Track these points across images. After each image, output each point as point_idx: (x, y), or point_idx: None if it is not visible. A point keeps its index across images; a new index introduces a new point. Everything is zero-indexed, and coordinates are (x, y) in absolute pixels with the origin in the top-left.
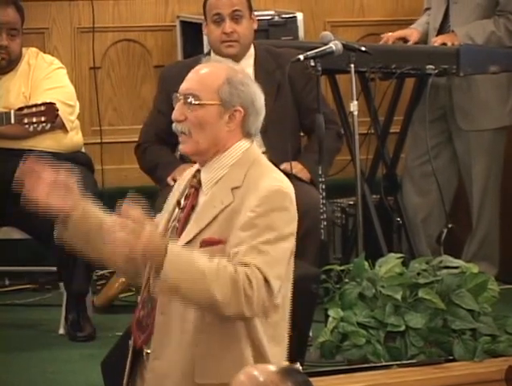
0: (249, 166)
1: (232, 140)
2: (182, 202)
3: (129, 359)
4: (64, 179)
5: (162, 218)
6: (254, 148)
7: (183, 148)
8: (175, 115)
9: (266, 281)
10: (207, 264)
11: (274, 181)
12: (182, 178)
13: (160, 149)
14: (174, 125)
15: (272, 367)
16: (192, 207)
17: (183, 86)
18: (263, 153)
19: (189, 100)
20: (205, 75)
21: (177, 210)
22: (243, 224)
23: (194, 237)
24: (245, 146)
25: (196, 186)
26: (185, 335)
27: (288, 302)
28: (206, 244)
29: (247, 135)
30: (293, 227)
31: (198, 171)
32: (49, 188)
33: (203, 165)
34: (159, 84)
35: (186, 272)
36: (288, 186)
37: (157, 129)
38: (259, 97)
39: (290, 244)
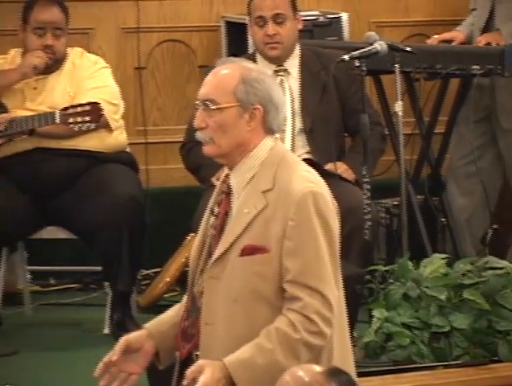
0: (277, 166)
1: (255, 139)
2: (215, 209)
3: (176, 369)
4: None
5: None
6: (279, 145)
7: (205, 150)
8: (196, 123)
9: (323, 296)
10: (263, 353)
11: (306, 182)
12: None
13: None
14: (197, 133)
15: (317, 368)
16: (226, 213)
17: (201, 92)
18: (308, 153)
19: (208, 106)
20: (220, 78)
21: (212, 218)
22: (287, 236)
23: (231, 245)
24: (270, 145)
25: (226, 192)
26: (231, 344)
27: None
28: (247, 252)
29: (269, 132)
30: (333, 226)
31: (227, 176)
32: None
33: (231, 168)
34: None
35: (257, 374)
36: (319, 184)
37: None
38: (277, 92)
39: (333, 243)
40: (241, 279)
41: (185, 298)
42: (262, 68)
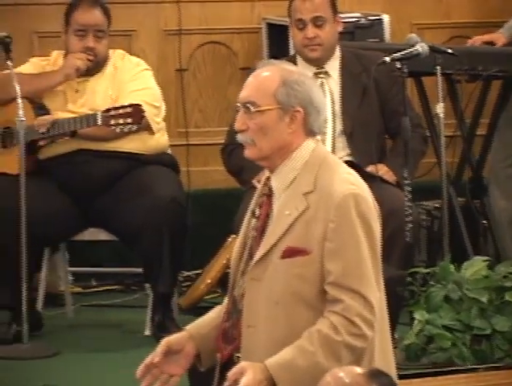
0: (319, 167)
1: (296, 141)
2: (256, 211)
3: (217, 371)
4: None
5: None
6: (321, 147)
7: (247, 153)
8: (237, 125)
9: (365, 298)
10: (303, 355)
11: (347, 184)
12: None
13: None
14: (238, 135)
15: (358, 369)
16: (267, 215)
17: (241, 95)
18: (348, 155)
19: (248, 109)
20: (260, 80)
21: (253, 220)
22: (328, 238)
23: (273, 246)
24: (311, 147)
25: (267, 194)
26: (273, 347)
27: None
28: (288, 254)
29: (310, 134)
30: (374, 228)
31: (268, 179)
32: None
33: (272, 171)
34: None
35: (298, 376)
36: (360, 186)
37: None
38: (317, 94)
39: (374, 244)
40: (282, 281)
41: (226, 300)
42: (302, 70)
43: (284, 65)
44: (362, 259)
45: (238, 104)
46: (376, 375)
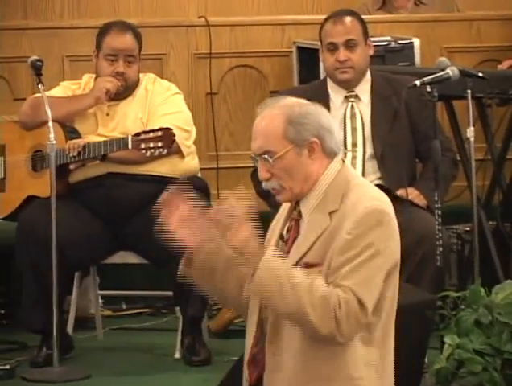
0: (345, 188)
1: (320, 167)
2: (285, 235)
3: None
4: (198, 215)
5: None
6: (346, 168)
7: (280, 199)
8: (261, 176)
9: (360, 302)
10: (301, 278)
11: (371, 200)
12: (281, 210)
13: None
14: (264, 184)
15: None
16: (295, 239)
17: (254, 147)
18: (379, 178)
19: (266, 159)
20: (265, 127)
21: (281, 243)
22: (340, 247)
23: (296, 264)
24: (337, 168)
25: (296, 218)
26: (296, 369)
27: (391, 323)
28: (304, 266)
29: (331, 155)
30: (391, 242)
31: (297, 203)
32: (181, 221)
33: (301, 198)
34: None
35: (279, 280)
36: (385, 203)
37: None
38: (324, 116)
39: (387, 259)
40: None
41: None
42: (300, 100)
43: (283, 101)
44: (372, 271)
45: (254, 156)
46: None
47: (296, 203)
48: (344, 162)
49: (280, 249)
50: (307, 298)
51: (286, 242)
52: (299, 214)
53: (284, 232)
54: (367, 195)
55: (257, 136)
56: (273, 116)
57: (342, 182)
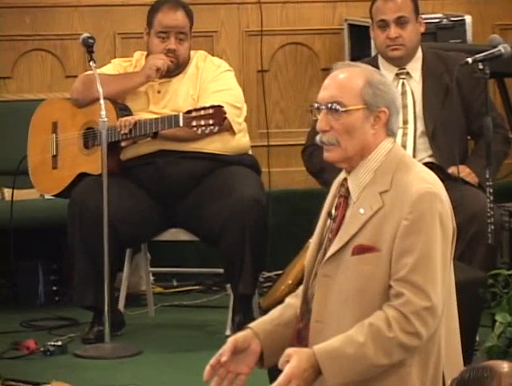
0: (395, 167)
1: (376, 142)
2: (333, 212)
3: None
4: None
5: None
6: (397, 148)
7: (329, 156)
8: (320, 126)
9: (427, 296)
10: (354, 343)
11: (423, 182)
12: (333, 188)
13: None
14: (318, 136)
15: None
16: (343, 216)
17: (324, 95)
18: (430, 156)
19: (334, 108)
20: (344, 80)
21: (329, 221)
22: (401, 234)
23: (345, 244)
24: (388, 147)
25: (345, 195)
26: None
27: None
28: (358, 251)
29: (390, 134)
30: (448, 229)
31: (345, 180)
32: None
33: (349, 172)
34: None
35: (344, 366)
36: (436, 185)
37: None
38: (398, 95)
39: (445, 241)
40: (351, 278)
41: (288, 300)
42: (379, 72)
43: (363, 66)
44: (433, 258)
45: (317, 105)
46: None
47: (344, 180)
48: (395, 141)
49: (328, 228)
50: (370, 351)
51: (334, 219)
52: (347, 190)
53: (333, 210)
54: (417, 176)
55: (331, 85)
56: (354, 72)
57: (393, 161)
